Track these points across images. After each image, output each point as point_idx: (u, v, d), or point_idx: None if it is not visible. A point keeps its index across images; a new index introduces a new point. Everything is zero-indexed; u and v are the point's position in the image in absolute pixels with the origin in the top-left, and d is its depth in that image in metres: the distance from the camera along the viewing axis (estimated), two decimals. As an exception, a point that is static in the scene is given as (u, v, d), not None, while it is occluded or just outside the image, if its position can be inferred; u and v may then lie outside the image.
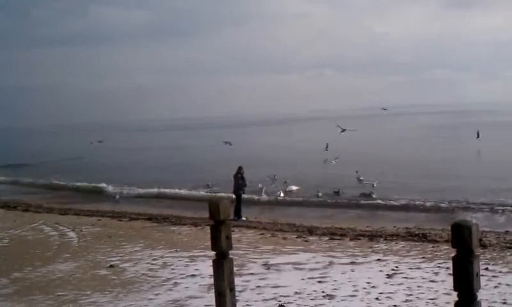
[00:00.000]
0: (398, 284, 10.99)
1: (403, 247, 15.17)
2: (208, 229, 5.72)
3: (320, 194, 28.89)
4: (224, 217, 4.75)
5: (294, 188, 30.35)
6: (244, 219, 21.81)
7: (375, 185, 28.96)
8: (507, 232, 17.87)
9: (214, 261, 4.84)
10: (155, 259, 14.23)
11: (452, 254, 3.66)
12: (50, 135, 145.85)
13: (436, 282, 11.06)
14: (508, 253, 13.79)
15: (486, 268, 11.67)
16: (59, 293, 11.33)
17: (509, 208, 23.37)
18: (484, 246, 14.33)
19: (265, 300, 10.23)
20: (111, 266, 13.65)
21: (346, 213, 24.48)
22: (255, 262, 13.48)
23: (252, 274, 12.26)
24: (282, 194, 29.04)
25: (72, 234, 18.68)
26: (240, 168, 23.13)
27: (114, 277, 12.53)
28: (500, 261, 12.76)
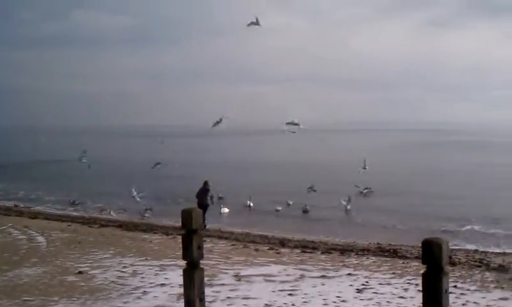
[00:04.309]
0: (368, 299, 11.04)
1: (374, 262, 15.26)
2: (179, 238, 5.69)
3: (279, 208, 28.83)
4: (197, 227, 4.73)
5: (226, 210, 28.77)
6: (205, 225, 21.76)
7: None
8: (476, 251, 18.13)
9: (184, 270, 4.79)
10: (124, 267, 14.06)
11: (422, 271, 3.69)
12: (23, 136, 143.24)
13: (405, 298, 11.13)
14: (477, 271, 13.97)
15: (455, 286, 11.80)
16: (25, 298, 11.11)
17: (477, 227, 23.75)
18: (453, 264, 14.50)
19: (235, 311, 10.18)
20: (80, 272, 13.43)
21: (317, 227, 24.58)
22: (226, 273, 13.41)
23: (223, 284, 12.20)
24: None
25: (40, 238, 18.37)
26: (206, 182, 23.74)
27: (83, 284, 12.33)
28: (469, 279, 12.92)
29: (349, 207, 28.58)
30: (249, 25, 24.39)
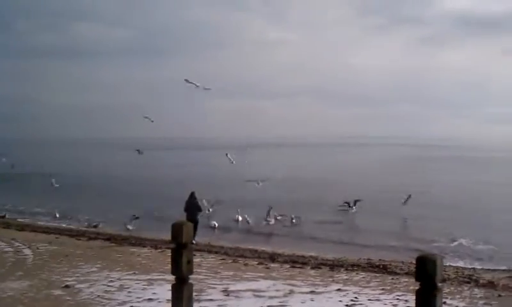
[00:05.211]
0: (357, 316, 10.96)
1: (363, 277, 15.20)
2: (168, 252, 5.60)
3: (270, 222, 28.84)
4: (187, 241, 4.65)
5: (216, 224, 28.25)
6: (194, 242, 21.57)
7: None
8: (465, 267, 18.12)
9: (173, 286, 4.71)
10: (111, 281, 13.88)
11: (412, 287, 3.64)
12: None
13: (395, 314, 11.07)
14: (466, 288, 13.94)
15: (444, 302, 11.73)
16: (9, 313, 10.92)
17: (466, 243, 23.81)
18: (442, 280, 14.45)
19: (224, 327, 10.06)
20: (66, 286, 13.24)
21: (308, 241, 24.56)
22: (214, 288, 13.27)
23: (211, 300, 12.06)
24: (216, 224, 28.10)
25: (27, 251, 18.14)
26: (192, 193, 23.36)
27: (69, 298, 12.15)
28: (458, 296, 12.86)
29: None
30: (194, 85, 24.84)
